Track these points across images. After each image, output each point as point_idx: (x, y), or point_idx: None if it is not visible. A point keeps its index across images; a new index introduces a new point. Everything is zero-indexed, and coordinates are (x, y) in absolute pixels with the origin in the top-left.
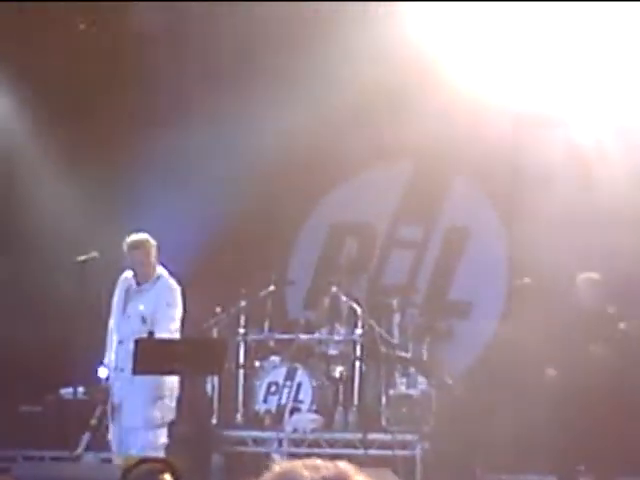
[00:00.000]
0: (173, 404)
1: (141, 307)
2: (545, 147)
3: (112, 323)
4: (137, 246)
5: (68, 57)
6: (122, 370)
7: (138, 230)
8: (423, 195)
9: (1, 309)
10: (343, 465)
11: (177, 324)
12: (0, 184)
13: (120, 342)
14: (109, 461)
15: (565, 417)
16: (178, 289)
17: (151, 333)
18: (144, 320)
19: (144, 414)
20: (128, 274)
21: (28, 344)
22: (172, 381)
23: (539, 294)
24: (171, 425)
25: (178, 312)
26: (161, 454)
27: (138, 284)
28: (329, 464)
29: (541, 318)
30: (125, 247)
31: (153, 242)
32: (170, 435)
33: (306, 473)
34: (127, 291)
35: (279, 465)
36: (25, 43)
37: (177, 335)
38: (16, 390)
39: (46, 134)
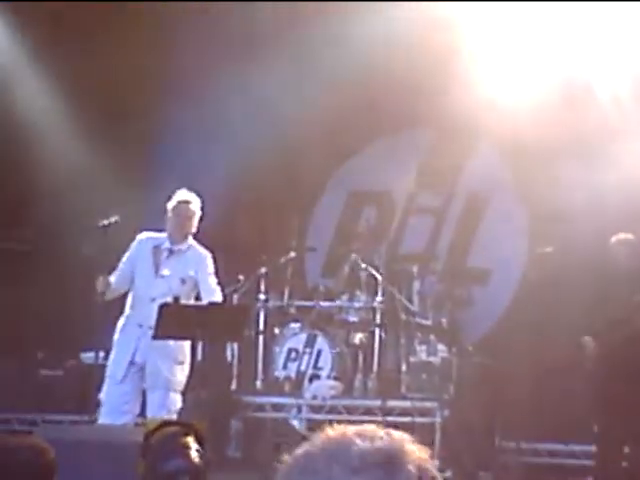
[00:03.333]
0: (187, 372)
1: (181, 268)
2: (567, 116)
3: (116, 280)
4: (189, 201)
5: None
6: (150, 328)
7: (158, 196)
8: (443, 162)
9: (24, 276)
10: (398, 435)
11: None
12: (17, 149)
13: (153, 300)
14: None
15: (604, 387)
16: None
17: (176, 298)
18: (183, 281)
19: (167, 376)
20: (150, 234)
21: (49, 309)
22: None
23: (561, 262)
24: (187, 390)
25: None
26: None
27: (171, 245)
28: (383, 433)
29: (567, 285)
30: (174, 202)
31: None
32: (187, 400)
33: (359, 441)
34: (154, 251)
35: (332, 429)
36: None
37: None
38: (37, 355)
39: (66, 95)
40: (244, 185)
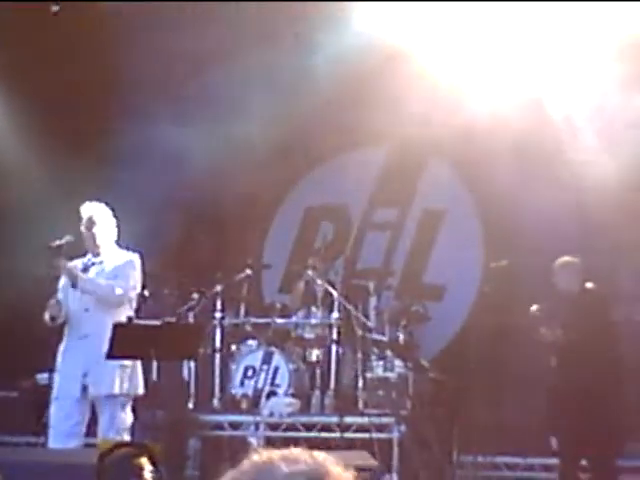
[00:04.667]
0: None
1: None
2: (519, 128)
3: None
4: (90, 213)
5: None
6: (83, 338)
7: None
8: (398, 178)
9: None
10: (321, 457)
11: None
12: None
13: (75, 312)
14: (88, 446)
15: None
16: None
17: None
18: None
19: (112, 391)
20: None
21: (2, 330)
22: None
23: (516, 276)
24: (142, 409)
25: None
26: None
27: (89, 259)
28: (307, 456)
29: (522, 299)
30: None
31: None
32: (143, 420)
33: (283, 465)
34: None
35: (257, 454)
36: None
37: None
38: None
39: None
40: (201, 203)
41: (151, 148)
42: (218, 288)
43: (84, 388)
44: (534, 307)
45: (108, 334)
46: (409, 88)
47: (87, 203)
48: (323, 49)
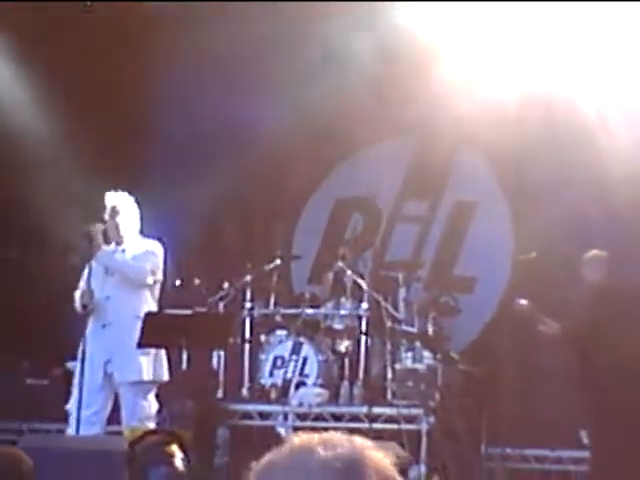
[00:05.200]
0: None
1: None
2: (551, 118)
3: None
4: (112, 202)
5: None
6: (106, 326)
7: (145, 205)
8: (428, 170)
9: (10, 285)
10: (359, 442)
11: None
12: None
13: (107, 298)
14: (116, 434)
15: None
16: None
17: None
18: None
19: (135, 379)
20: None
21: (34, 318)
22: None
23: (545, 268)
24: (175, 398)
25: None
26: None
27: (113, 247)
28: (344, 440)
29: (550, 291)
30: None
31: None
32: (173, 409)
33: (321, 449)
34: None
35: (295, 438)
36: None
37: None
38: (23, 364)
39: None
40: (230, 193)
41: (179, 136)
42: (248, 278)
43: (106, 375)
44: (523, 301)
45: (129, 322)
46: (440, 79)
47: (111, 192)
48: (356, 42)
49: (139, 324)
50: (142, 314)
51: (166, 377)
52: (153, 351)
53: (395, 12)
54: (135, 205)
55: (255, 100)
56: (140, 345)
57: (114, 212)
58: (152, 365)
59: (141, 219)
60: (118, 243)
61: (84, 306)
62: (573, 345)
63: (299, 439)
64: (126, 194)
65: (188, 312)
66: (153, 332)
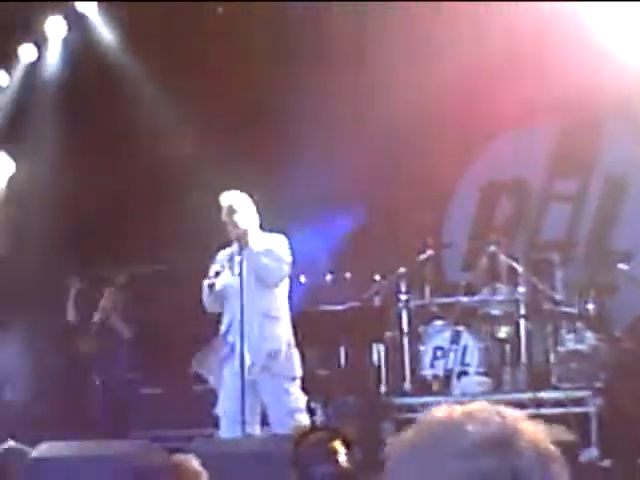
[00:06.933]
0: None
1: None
2: None
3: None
4: (227, 202)
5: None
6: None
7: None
8: (577, 146)
9: (165, 295)
10: (510, 415)
11: None
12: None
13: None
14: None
15: None
16: None
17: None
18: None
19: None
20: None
21: (196, 328)
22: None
23: None
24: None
25: None
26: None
27: (236, 247)
28: (493, 413)
29: None
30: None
31: None
32: (335, 406)
33: (470, 425)
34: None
35: (436, 410)
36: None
37: None
38: (188, 371)
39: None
40: (376, 186)
41: (320, 129)
42: (402, 270)
43: (249, 375)
44: None
45: (259, 319)
46: (578, 58)
47: (225, 193)
48: (495, 20)
49: (270, 322)
50: (273, 313)
51: (299, 373)
52: (284, 348)
53: None
54: (250, 201)
55: (394, 87)
56: (298, 344)
57: (231, 211)
58: (286, 358)
59: (259, 214)
60: (241, 241)
61: (214, 308)
62: None
63: (440, 413)
64: (240, 192)
65: (342, 307)
66: (310, 330)
